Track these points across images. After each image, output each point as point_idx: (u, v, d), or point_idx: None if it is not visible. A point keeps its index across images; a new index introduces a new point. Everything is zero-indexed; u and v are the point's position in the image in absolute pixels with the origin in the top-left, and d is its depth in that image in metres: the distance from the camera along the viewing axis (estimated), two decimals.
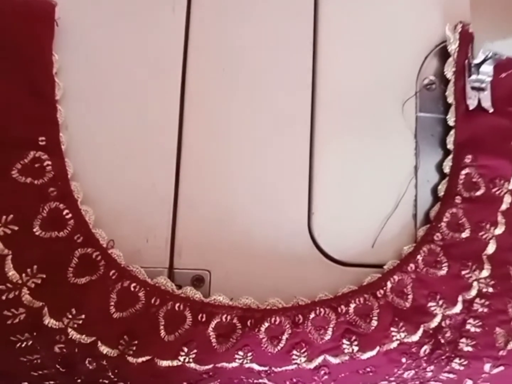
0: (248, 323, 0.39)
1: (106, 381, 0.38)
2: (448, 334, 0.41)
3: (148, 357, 0.37)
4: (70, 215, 0.38)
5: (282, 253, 0.43)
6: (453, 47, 0.46)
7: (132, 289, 0.38)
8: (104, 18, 0.44)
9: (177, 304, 0.38)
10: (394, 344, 0.40)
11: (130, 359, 0.37)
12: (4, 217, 0.37)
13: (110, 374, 0.38)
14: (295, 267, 0.42)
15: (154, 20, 0.44)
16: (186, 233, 0.42)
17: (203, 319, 0.38)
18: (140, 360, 0.37)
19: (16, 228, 0.37)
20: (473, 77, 0.45)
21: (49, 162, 0.39)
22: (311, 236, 0.43)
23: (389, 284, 0.41)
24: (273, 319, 0.39)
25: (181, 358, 0.37)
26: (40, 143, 0.39)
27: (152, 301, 0.38)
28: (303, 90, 0.45)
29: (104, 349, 0.37)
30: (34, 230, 0.37)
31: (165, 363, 0.37)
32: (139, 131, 0.43)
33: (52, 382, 0.38)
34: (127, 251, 0.39)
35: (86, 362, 0.37)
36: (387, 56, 0.47)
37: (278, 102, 0.45)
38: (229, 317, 0.39)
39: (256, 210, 0.43)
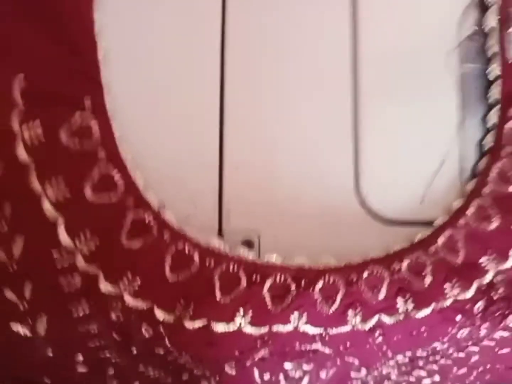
0: (302, 283, 0.37)
1: (162, 351, 0.37)
2: (501, 290, 0.40)
3: (204, 321, 0.36)
4: (120, 179, 0.37)
5: (331, 212, 0.41)
6: None
7: (187, 251, 0.36)
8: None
9: (231, 266, 0.37)
10: (448, 302, 0.39)
11: (186, 323, 0.36)
12: (54, 181, 0.35)
13: (166, 342, 0.37)
14: (344, 227, 0.41)
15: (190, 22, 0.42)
16: (233, 196, 0.40)
17: (258, 280, 0.37)
18: (196, 325, 0.36)
19: (67, 192, 0.35)
20: None
21: (96, 123, 0.37)
22: (358, 195, 0.42)
23: (440, 241, 0.40)
24: (327, 279, 0.38)
25: (237, 320, 0.36)
26: (86, 103, 0.37)
27: (207, 263, 0.37)
28: (344, 48, 0.43)
29: (160, 314, 0.36)
30: (85, 194, 0.36)
31: (221, 327, 0.36)
32: (182, 95, 0.41)
33: (107, 353, 0.37)
34: (176, 217, 0.38)
35: (143, 329, 0.36)
36: (426, 10, 0.44)
37: (319, 61, 0.43)
38: (283, 277, 0.37)
39: (302, 171, 0.41)
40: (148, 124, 0.40)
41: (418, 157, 0.42)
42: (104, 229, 0.36)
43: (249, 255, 0.38)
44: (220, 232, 0.40)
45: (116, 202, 0.36)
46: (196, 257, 0.36)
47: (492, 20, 0.44)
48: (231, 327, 0.36)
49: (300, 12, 0.43)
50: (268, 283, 0.37)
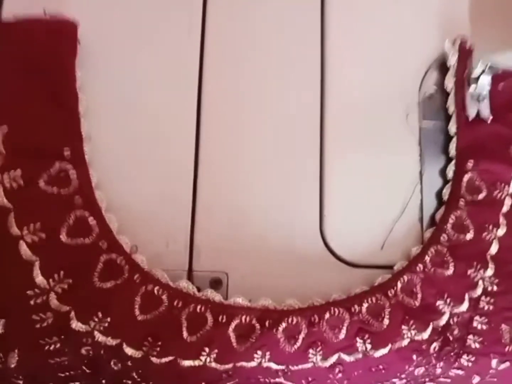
0: (267, 323, 0.38)
1: (130, 382, 0.38)
2: (456, 332, 0.41)
3: (171, 358, 0.36)
4: (94, 222, 0.38)
5: (296, 255, 0.42)
6: (452, 60, 0.47)
7: (156, 292, 0.37)
8: (124, 37, 0.44)
9: (199, 306, 0.37)
10: (405, 342, 0.40)
11: (154, 359, 0.36)
12: (32, 224, 0.37)
13: (134, 374, 0.37)
14: (308, 269, 0.42)
15: (171, 38, 0.45)
16: (204, 237, 0.41)
17: (224, 320, 0.38)
18: (163, 360, 0.36)
19: (43, 235, 0.37)
20: (472, 88, 0.46)
21: (74, 172, 0.39)
22: (323, 238, 0.43)
23: (399, 284, 0.41)
24: (290, 320, 0.38)
25: (203, 358, 0.37)
26: (65, 153, 0.39)
27: (175, 303, 0.37)
28: (312, 101, 0.45)
29: (129, 350, 0.36)
30: (61, 237, 0.37)
31: (187, 363, 0.37)
32: (158, 141, 0.43)
33: (77, 383, 0.38)
34: (148, 255, 0.39)
35: (112, 363, 0.36)
36: (391, 69, 0.47)
37: (289, 113, 0.45)
38: (248, 318, 0.38)
39: (270, 214, 0.43)
40: (126, 167, 0.42)
41: (380, 205, 0.44)
42: (78, 269, 0.37)
43: (216, 296, 0.38)
44: (190, 271, 0.41)
45: (90, 244, 0.37)
46: (165, 298, 0.37)
47: (450, 81, 0.46)
48: (197, 363, 0.37)
49: (272, 69, 0.46)
50: (233, 324, 0.38)
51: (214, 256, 0.41)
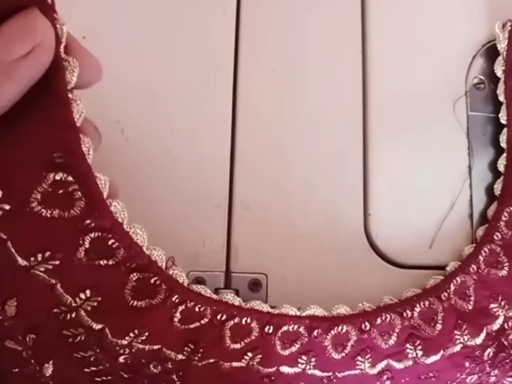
0: (315, 332, 0.34)
1: None
2: (511, 337, 0.37)
3: (212, 360, 0.33)
4: (117, 244, 0.30)
5: (339, 255, 0.38)
6: (502, 45, 0.42)
7: (197, 309, 0.33)
8: (150, 21, 0.40)
9: (244, 319, 0.33)
10: (457, 348, 0.36)
11: (195, 363, 0.33)
12: (39, 255, 0.29)
13: (174, 377, 0.33)
14: (352, 270, 0.38)
15: (204, 22, 0.40)
16: (241, 237, 0.37)
17: (270, 330, 0.34)
18: (204, 363, 0.33)
19: (57, 262, 0.29)
20: None
21: (75, 186, 0.29)
22: (368, 238, 0.39)
23: (452, 286, 0.37)
24: (339, 328, 0.34)
25: (245, 361, 0.33)
26: (57, 160, 0.29)
27: (218, 317, 0.33)
28: (354, 93, 0.41)
29: (169, 353, 0.32)
30: (78, 259, 0.30)
31: (228, 364, 0.33)
32: (192, 136, 0.38)
33: None
34: (185, 255, 0.35)
35: (151, 366, 0.32)
36: (436, 58, 0.42)
37: (330, 106, 0.41)
38: (296, 327, 0.34)
39: (311, 213, 0.38)
40: (155, 163, 0.38)
41: (428, 201, 0.40)
42: (106, 288, 0.31)
43: (264, 306, 0.34)
44: (228, 272, 0.37)
45: (115, 265, 0.31)
46: (208, 313, 0.33)
47: (500, 68, 0.42)
48: (239, 365, 0.33)
49: (312, 59, 0.41)
50: (280, 332, 0.34)
51: (253, 257, 0.37)
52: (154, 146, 0.38)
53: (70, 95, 0.29)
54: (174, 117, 0.38)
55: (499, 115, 0.41)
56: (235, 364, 0.33)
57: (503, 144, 0.40)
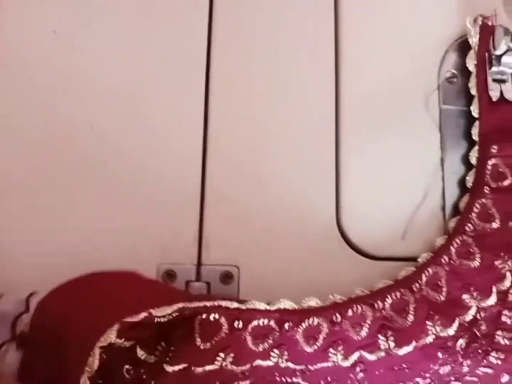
0: (286, 326, 0.34)
1: None
2: (483, 327, 0.37)
3: (184, 365, 0.32)
4: None
5: (311, 247, 0.38)
6: (474, 40, 0.42)
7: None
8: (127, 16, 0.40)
9: (212, 314, 0.33)
10: (429, 339, 0.35)
11: (166, 367, 0.32)
12: None
13: None
14: (325, 262, 0.38)
15: (177, 18, 0.40)
16: (213, 229, 0.37)
17: (240, 326, 0.33)
18: (176, 368, 0.32)
19: None
20: (494, 69, 0.41)
21: None
22: (340, 230, 0.38)
23: (424, 278, 0.36)
24: (310, 320, 0.34)
25: (218, 363, 0.33)
26: None
27: (186, 312, 0.32)
28: (327, 87, 0.41)
29: (142, 354, 0.32)
30: None
31: (201, 369, 0.32)
32: (164, 130, 0.38)
33: None
34: (156, 248, 0.35)
35: (124, 369, 0.32)
36: (409, 52, 0.42)
37: (303, 99, 0.40)
38: (266, 321, 0.33)
39: (284, 206, 0.38)
40: (133, 157, 0.37)
41: (400, 193, 0.39)
42: None
43: (233, 304, 0.33)
44: (199, 264, 0.36)
45: None
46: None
47: (471, 62, 0.42)
48: (212, 367, 0.33)
49: (286, 53, 0.41)
50: (250, 327, 0.33)
51: (225, 250, 0.37)
52: (126, 141, 0.37)
53: None
54: (147, 111, 0.38)
55: (471, 108, 0.41)
56: (208, 367, 0.33)
57: (475, 137, 0.40)
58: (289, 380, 0.35)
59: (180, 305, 0.32)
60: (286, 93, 0.40)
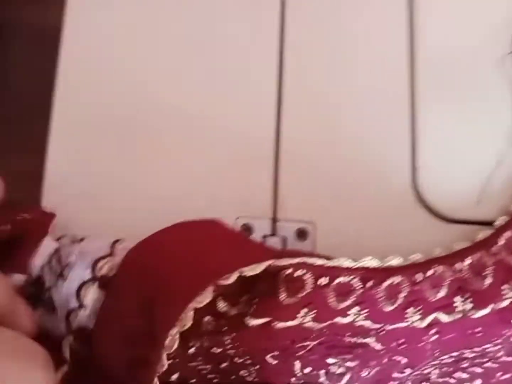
0: (369, 284, 0.33)
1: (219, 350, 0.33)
2: None
3: (266, 319, 0.32)
4: None
5: (386, 207, 0.37)
6: None
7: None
8: None
9: (298, 270, 0.32)
10: (505, 303, 0.35)
11: (247, 320, 0.32)
12: None
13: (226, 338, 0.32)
14: (399, 221, 0.37)
15: None
16: (289, 186, 0.36)
17: (324, 282, 0.32)
18: (258, 322, 0.32)
19: None
20: None
21: None
22: (415, 191, 0.38)
23: (501, 241, 0.36)
24: (393, 279, 0.33)
25: (299, 319, 0.32)
26: None
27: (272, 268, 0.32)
28: (401, 49, 0.40)
29: (224, 306, 0.31)
30: None
31: (282, 324, 0.32)
32: (240, 87, 0.38)
33: None
34: (233, 202, 0.35)
35: (204, 321, 0.31)
36: (483, 15, 0.41)
37: (377, 61, 0.40)
38: (350, 278, 0.33)
39: (359, 165, 0.37)
40: (208, 115, 0.37)
41: (474, 157, 0.39)
42: None
43: (319, 261, 0.33)
44: (274, 219, 0.36)
45: None
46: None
47: None
48: (292, 324, 0.32)
49: (357, 16, 0.40)
50: (334, 284, 0.33)
51: (300, 206, 0.36)
52: (205, 101, 0.36)
53: None
54: (221, 66, 0.37)
55: None
56: (289, 323, 0.32)
57: None
58: (359, 340, 0.35)
59: (270, 262, 0.31)
60: (361, 55, 0.40)
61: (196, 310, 0.30)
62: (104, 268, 0.31)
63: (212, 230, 0.32)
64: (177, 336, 0.29)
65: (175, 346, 0.29)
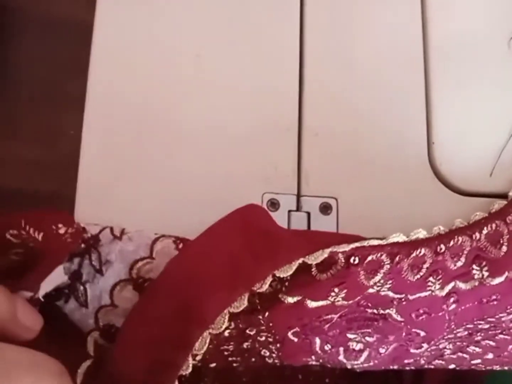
0: (397, 258, 0.34)
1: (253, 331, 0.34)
2: None
3: (299, 297, 0.32)
4: None
5: (405, 181, 0.38)
6: None
7: None
8: None
9: (329, 249, 0.32)
10: None
11: (282, 297, 0.32)
12: None
13: (260, 317, 0.33)
14: (418, 195, 0.38)
15: None
16: (311, 162, 0.37)
17: (356, 261, 0.33)
18: (292, 300, 0.32)
19: None
20: None
21: None
22: (432, 167, 0.39)
23: None
24: (418, 251, 0.34)
25: (331, 299, 0.33)
26: None
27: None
28: (416, 28, 0.41)
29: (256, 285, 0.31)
30: None
31: (314, 304, 0.33)
32: (262, 65, 0.38)
33: None
34: (258, 179, 0.35)
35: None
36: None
37: (393, 40, 0.41)
38: (379, 255, 0.33)
39: (378, 141, 0.38)
40: (234, 94, 0.37)
41: (487, 131, 0.40)
42: None
43: (356, 244, 0.33)
44: (298, 194, 0.37)
45: None
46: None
47: None
48: (326, 303, 0.33)
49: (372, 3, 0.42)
50: (365, 263, 0.33)
51: (323, 181, 0.37)
52: (226, 73, 0.37)
53: None
54: (243, 45, 0.38)
55: None
56: (321, 302, 0.33)
57: None
58: (380, 311, 0.36)
59: (331, 249, 0.32)
60: (379, 36, 0.41)
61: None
62: (142, 270, 0.31)
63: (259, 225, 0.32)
64: (208, 339, 0.29)
65: (204, 349, 0.29)
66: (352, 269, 0.33)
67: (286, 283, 0.32)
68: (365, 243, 0.33)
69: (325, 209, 0.36)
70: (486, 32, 0.42)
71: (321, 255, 0.31)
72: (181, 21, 0.38)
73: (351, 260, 0.33)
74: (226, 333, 0.34)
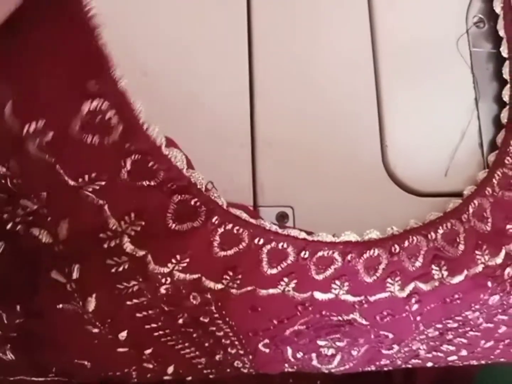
0: (349, 257, 0.34)
1: (207, 319, 0.33)
2: None
3: (250, 288, 0.32)
4: (156, 165, 0.30)
5: (360, 185, 0.38)
6: None
7: (235, 231, 0.32)
8: None
9: (281, 243, 0.33)
10: (479, 268, 0.36)
11: (233, 291, 0.32)
12: (86, 175, 0.29)
13: (213, 308, 0.33)
14: (373, 199, 0.38)
15: None
16: (266, 172, 0.37)
17: (306, 255, 0.33)
18: (242, 291, 0.32)
19: (103, 183, 0.29)
20: None
21: (112, 112, 0.29)
22: (386, 169, 0.39)
23: (471, 209, 0.37)
24: (371, 252, 0.34)
25: (281, 287, 0.33)
26: (92, 89, 0.29)
27: (256, 241, 0.32)
28: (364, 30, 0.41)
29: (209, 283, 0.32)
30: (122, 180, 0.30)
31: (265, 291, 0.33)
32: (211, 78, 0.38)
33: (153, 325, 0.34)
34: None
35: (191, 297, 0.32)
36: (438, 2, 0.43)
37: (342, 45, 0.41)
38: (330, 252, 0.34)
39: (331, 147, 0.38)
40: (185, 108, 0.37)
41: (439, 132, 0.40)
42: (149, 211, 0.31)
43: (302, 234, 0.34)
44: (255, 206, 0.37)
45: (157, 186, 0.31)
46: (245, 236, 0.32)
47: (497, 6, 0.43)
48: (275, 291, 0.33)
49: (320, 10, 0.42)
50: (315, 257, 0.33)
51: (278, 191, 0.37)
52: (176, 88, 0.37)
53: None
54: (195, 59, 0.38)
55: (501, 49, 0.42)
56: (271, 290, 0.33)
57: (506, 76, 0.41)
58: (345, 317, 0.36)
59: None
60: (327, 40, 0.41)
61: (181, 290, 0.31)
62: None
63: None
64: None
65: None
66: (302, 263, 0.33)
67: (238, 281, 0.33)
68: (317, 238, 0.34)
69: (282, 218, 0.36)
70: (435, 34, 0.42)
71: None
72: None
73: (302, 254, 0.33)
74: (181, 322, 0.34)
